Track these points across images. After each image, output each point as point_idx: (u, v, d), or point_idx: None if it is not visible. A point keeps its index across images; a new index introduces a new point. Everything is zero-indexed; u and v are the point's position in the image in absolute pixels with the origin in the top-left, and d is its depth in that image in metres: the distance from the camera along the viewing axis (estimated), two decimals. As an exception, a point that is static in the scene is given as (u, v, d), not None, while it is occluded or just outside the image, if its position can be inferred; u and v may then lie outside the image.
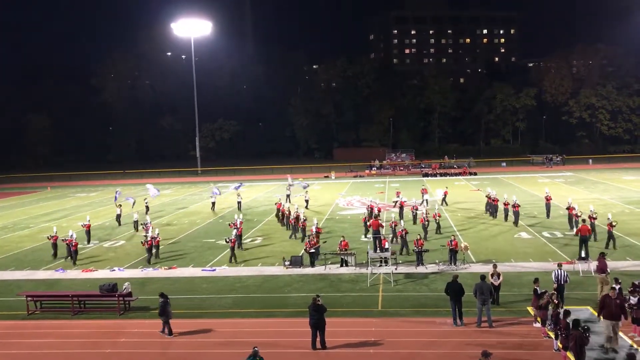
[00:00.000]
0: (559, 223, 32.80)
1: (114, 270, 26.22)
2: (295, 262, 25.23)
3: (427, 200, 40.65)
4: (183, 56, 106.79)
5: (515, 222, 32.51)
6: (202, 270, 25.55)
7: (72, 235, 28.57)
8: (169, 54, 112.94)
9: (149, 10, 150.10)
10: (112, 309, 20.27)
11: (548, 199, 34.96)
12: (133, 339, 17.55)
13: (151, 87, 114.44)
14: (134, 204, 42.12)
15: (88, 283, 23.97)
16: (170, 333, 17.48)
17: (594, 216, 27.94)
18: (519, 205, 32.73)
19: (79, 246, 28.70)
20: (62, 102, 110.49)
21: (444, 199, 41.98)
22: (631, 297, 16.18)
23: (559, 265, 19.09)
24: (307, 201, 42.00)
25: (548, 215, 34.36)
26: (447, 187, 45.89)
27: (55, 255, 29.12)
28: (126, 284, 20.73)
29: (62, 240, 28.78)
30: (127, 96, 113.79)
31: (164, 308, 17.45)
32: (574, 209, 30.58)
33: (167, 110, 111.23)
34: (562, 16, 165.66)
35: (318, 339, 16.06)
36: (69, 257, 28.10)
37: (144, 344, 17.13)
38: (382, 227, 28.61)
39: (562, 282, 18.36)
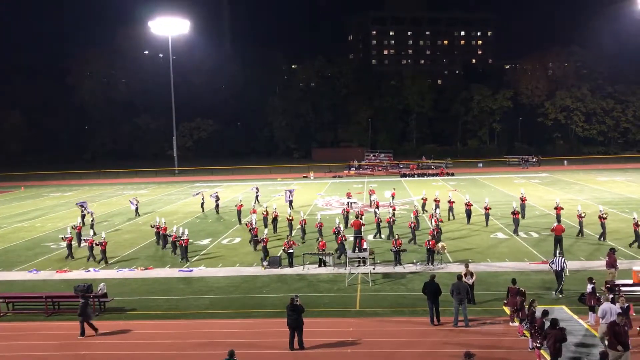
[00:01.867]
0: (534, 223, 33.25)
1: (89, 271, 25.84)
2: (274, 262, 25.15)
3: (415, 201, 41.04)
4: (160, 55, 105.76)
5: (515, 231, 30.51)
6: (179, 270, 25.31)
7: (94, 235, 28.10)
8: (146, 52, 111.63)
9: (126, 8, 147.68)
10: (87, 311, 19.98)
11: (523, 199, 35.50)
12: (108, 340, 17.31)
13: (127, 86, 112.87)
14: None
15: (62, 284, 23.61)
16: (83, 334, 17.53)
17: (604, 216, 28.40)
18: (518, 212, 31.13)
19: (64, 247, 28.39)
20: (35, 100, 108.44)
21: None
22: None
23: (561, 254, 19.71)
24: (290, 202, 41.86)
25: (523, 216, 34.75)
26: (394, 189, 45.73)
27: (71, 256, 28.09)
28: (101, 284, 20.49)
29: (84, 240, 28.41)
30: (103, 94, 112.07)
31: (84, 309, 17.50)
32: (562, 208, 31.50)
33: (143, 109, 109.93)
34: (538, 19, 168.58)
35: (296, 339, 16.05)
36: (93, 259, 27.22)
37: (119, 345, 16.91)
38: (364, 225, 28.64)
39: (559, 269, 19.00)
